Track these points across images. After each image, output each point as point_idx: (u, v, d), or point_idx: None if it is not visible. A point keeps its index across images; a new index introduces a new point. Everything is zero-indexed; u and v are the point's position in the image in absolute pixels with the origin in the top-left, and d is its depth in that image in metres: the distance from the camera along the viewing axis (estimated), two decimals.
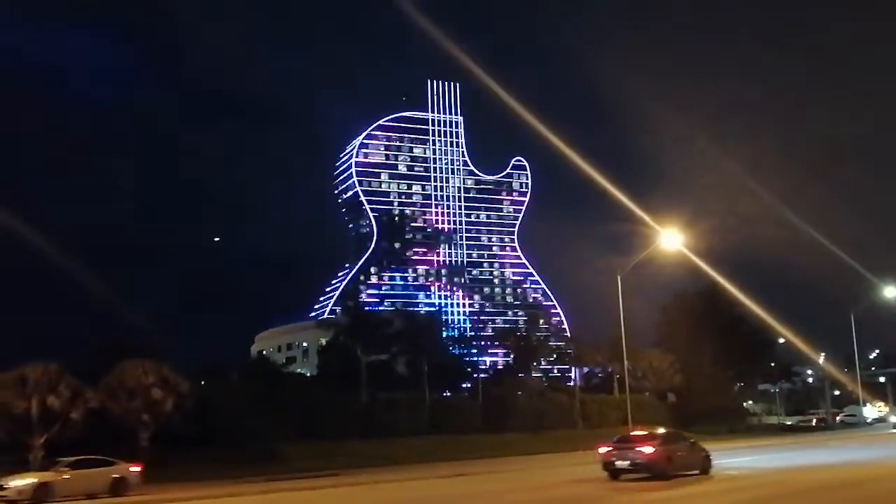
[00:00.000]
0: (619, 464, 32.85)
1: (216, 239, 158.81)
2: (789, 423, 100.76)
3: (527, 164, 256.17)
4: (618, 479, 32.63)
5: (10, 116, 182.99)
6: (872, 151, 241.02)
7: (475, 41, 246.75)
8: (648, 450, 32.52)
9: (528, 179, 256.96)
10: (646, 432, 35.88)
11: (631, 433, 36.47)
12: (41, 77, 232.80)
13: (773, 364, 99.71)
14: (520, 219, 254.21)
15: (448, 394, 78.37)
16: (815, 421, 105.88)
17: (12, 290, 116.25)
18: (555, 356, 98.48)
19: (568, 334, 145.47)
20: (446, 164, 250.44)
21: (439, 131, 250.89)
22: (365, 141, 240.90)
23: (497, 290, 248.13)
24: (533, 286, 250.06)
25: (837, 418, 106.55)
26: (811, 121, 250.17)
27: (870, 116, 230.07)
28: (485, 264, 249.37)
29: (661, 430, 38.16)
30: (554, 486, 32.29)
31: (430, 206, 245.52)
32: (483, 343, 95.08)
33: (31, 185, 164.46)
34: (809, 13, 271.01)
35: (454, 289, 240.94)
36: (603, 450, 34.19)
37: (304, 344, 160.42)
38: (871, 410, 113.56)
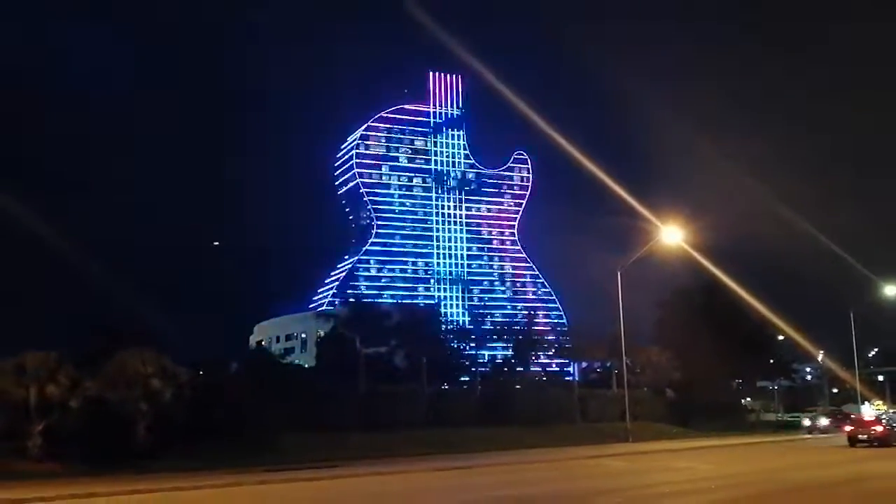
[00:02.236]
0: (860, 437, 50.31)
1: (216, 243, 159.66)
2: (789, 419, 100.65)
3: (528, 158, 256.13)
4: (855, 446, 49.62)
5: (11, 110, 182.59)
6: (873, 149, 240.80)
7: (477, 34, 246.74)
8: (879, 428, 51.36)
9: (529, 173, 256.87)
10: (874, 417, 55.37)
11: (864, 418, 55.02)
12: (41, 71, 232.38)
13: (772, 361, 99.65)
14: (520, 212, 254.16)
15: (446, 387, 78.31)
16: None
17: (12, 278, 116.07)
18: (553, 350, 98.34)
19: (567, 328, 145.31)
20: (447, 156, 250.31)
21: (441, 124, 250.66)
22: (365, 132, 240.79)
23: (497, 283, 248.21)
24: (533, 280, 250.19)
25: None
26: (811, 118, 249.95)
27: (870, 114, 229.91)
28: (484, 258, 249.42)
29: (883, 416, 57.41)
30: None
31: (430, 198, 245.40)
32: (482, 337, 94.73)
33: (33, 176, 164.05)
34: (809, 13, 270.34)
35: (453, 282, 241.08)
36: (848, 428, 53.28)
37: (303, 335, 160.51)
38: (870, 409, 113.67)
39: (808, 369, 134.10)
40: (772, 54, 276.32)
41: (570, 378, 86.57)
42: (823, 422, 70.02)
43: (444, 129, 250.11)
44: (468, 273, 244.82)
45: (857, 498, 26.12)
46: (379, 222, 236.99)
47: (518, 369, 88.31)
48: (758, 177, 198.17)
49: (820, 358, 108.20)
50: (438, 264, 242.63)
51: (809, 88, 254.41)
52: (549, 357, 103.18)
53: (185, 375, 46.18)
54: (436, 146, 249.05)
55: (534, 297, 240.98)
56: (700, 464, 39.63)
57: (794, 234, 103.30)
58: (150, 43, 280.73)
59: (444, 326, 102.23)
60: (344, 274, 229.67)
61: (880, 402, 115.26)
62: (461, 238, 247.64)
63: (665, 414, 77.34)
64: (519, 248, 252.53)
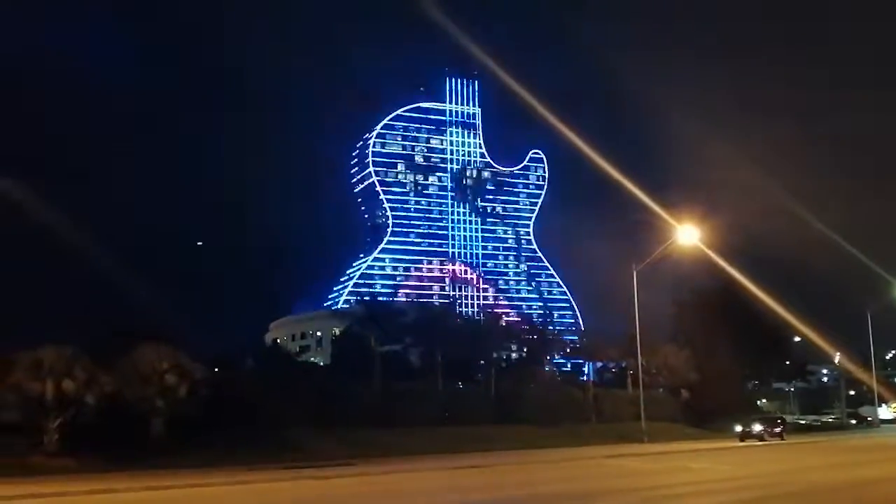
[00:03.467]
0: None
1: (199, 243, 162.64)
2: (803, 422, 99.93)
3: (544, 157, 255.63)
4: None
5: (16, 104, 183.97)
6: (893, 147, 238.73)
7: (493, 33, 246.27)
8: None
9: (544, 172, 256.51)
10: None
11: None
12: (42, 67, 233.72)
13: (787, 362, 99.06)
14: (536, 211, 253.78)
15: (461, 385, 78.28)
16: (830, 419, 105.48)
17: (30, 273, 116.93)
18: (568, 350, 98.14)
19: (582, 328, 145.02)
20: (463, 155, 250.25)
21: (457, 123, 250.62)
22: (382, 131, 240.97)
23: (512, 282, 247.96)
24: (548, 279, 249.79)
25: None
26: (830, 117, 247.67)
27: (892, 111, 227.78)
28: (500, 257, 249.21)
29: None
30: None
31: (445, 197, 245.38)
32: (497, 335, 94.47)
33: (53, 174, 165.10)
34: (830, 10, 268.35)
35: (469, 281, 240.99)
36: None
37: (318, 333, 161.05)
38: (886, 411, 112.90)
39: (824, 371, 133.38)
40: (790, 49, 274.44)
41: (585, 378, 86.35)
42: (757, 427, 69.24)
43: (460, 127, 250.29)
44: (483, 272, 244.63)
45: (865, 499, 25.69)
46: (394, 221, 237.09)
47: (533, 368, 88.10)
48: (774, 173, 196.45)
49: (836, 360, 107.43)
50: (454, 263, 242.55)
51: (831, 85, 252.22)
52: (563, 356, 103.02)
53: (200, 372, 46.37)
54: (452, 145, 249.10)
55: (549, 296, 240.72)
56: (717, 464, 39.37)
57: (810, 233, 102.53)
58: (156, 37, 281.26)
59: (458, 325, 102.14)
60: (359, 272, 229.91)
61: None
62: (476, 237, 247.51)
63: (680, 414, 77.02)
64: (534, 247, 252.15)
